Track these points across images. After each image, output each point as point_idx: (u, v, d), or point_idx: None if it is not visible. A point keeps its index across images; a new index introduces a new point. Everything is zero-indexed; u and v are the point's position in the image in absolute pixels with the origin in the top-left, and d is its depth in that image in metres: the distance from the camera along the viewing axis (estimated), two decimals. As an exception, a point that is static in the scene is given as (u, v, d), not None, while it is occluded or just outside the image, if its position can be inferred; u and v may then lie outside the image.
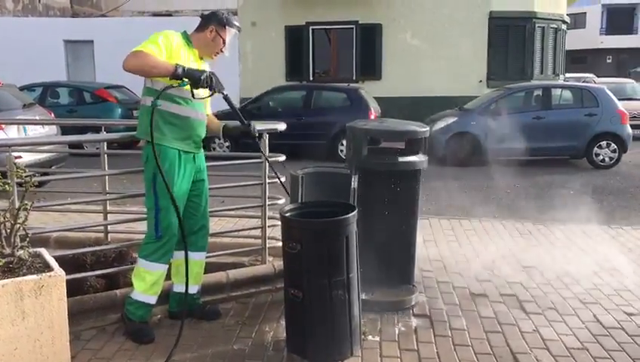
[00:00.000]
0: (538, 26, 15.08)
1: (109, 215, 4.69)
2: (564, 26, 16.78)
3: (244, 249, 4.47)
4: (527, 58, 15.01)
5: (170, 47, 3.19)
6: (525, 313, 3.85)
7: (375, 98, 12.39)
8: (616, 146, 10.94)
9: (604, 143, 10.99)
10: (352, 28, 15.17)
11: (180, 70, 3.08)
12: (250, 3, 15.68)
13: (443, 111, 12.23)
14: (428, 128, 3.93)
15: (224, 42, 3.38)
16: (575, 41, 38.35)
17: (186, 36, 3.38)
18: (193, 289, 3.58)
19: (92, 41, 16.06)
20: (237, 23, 3.46)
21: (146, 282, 3.36)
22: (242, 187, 4.47)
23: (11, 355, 2.65)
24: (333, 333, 3.19)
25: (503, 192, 8.76)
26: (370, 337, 3.45)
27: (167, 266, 3.43)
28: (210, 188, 3.74)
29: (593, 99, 11.18)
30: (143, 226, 4.58)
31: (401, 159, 3.85)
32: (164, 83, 3.14)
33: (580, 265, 4.79)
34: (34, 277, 2.71)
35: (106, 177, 4.49)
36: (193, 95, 3.17)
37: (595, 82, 16.92)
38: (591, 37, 40.25)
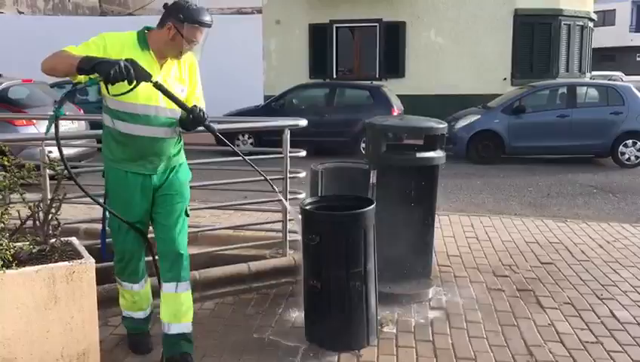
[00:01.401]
0: (564, 24, 14.93)
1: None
2: (590, 24, 16.56)
3: (265, 242, 4.58)
4: (553, 56, 14.87)
5: (103, 48, 2.69)
6: (541, 307, 3.90)
7: (398, 96, 12.42)
8: (647, 147, 10.81)
9: (629, 142, 10.87)
10: (376, 26, 15.20)
11: (85, 62, 2.52)
12: (274, 1, 15.82)
13: (466, 109, 12.22)
14: (446, 125, 4.01)
15: (188, 41, 2.75)
16: (604, 38, 37.73)
17: (141, 36, 2.82)
18: (171, 328, 2.99)
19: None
20: (204, 18, 2.75)
21: (126, 299, 3.17)
22: (264, 181, 4.59)
23: (44, 337, 2.80)
24: (350, 323, 3.29)
25: (525, 190, 8.75)
26: (386, 328, 3.53)
27: (144, 283, 3.15)
28: (231, 183, 3.85)
29: (619, 98, 11.06)
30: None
31: (419, 155, 3.93)
32: (111, 98, 2.73)
33: (598, 262, 4.81)
34: (66, 263, 2.86)
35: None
36: (108, 92, 2.66)
37: (622, 80, 16.70)
38: (620, 34, 39.54)
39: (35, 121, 7.56)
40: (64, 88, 12.92)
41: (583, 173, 10.08)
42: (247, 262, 4.23)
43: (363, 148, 11.28)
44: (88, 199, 3.17)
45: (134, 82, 2.57)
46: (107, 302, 3.58)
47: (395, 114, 11.35)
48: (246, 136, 11.91)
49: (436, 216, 5.89)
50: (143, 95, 2.75)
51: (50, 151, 3.60)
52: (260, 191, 4.76)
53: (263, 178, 3.37)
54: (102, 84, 2.64)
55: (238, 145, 11.54)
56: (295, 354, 3.22)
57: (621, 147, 10.88)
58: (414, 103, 12.44)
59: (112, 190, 2.96)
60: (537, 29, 14.63)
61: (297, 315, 3.69)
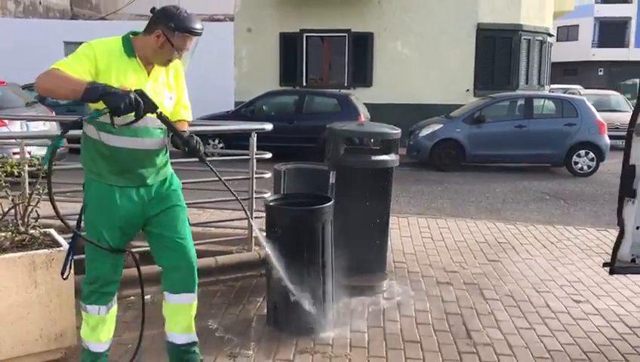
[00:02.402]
0: (524, 38, 15.58)
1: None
2: (549, 39, 17.28)
3: (232, 238, 4.86)
4: (513, 69, 15.50)
5: (94, 59, 2.58)
6: (484, 299, 4.27)
7: (365, 104, 12.82)
8: (594, 155, 11.40)
9: (582, 152, 11.45)
10: (345, 36, 15.62)
11: (91, 92, 2.42)
12: (246, 9, 16.11)
13: (430, 118, 12.68)
14: (399, 131, 4.36)
15: (178, 50, 2.65)
16: (567, 53, 39.03)
17: (126, 42, 2.69)
18: (177, 338, 2.92)
19: (91, 44, 16.45)
20: (195, 26, 2.64)
21: (88, 326, 2.88)
22: (231, 182, 4.88)
23: (25, 319, 3.04)
24: (310, 310, 3.59)
25: (482, 196, 9.19)
26: (342, 315, 3.85)
27: (108, 309, 2.89)
28: (200, 182, 4.09)
29: (573, 110, 11.65)
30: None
31: (374, 158, 4.28)
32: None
33: (540, 260, 5.22)
34: (45, 251, 3.11)
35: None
36: (113, 123, 2.52)
37: (580, 94, 17.42)
38: (583, 49, 40.89)
39: (7, 121, 7.70)
40: (35, 91, 12.99)
41: (538, 181, 10.60)
42: (214, 256, 4.51)
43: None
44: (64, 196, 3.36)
45: (141, 115, 2.51)
46: (79, 292, 3.83)
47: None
48: (217, 140, 12.17)
49: (396, 218, 6.33)
50: None
51: (29, 152, 3.83)
52: (227, 191, 5.05)
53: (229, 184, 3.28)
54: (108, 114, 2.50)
55: (207, 146, 11.79)
56: (257, 339, 3.51)
57: (575, 157, 11.46)
58: (381, 112, 12.84)
59: (93, 205, 2.76)
60: (499, 43, 15.24)
61: (261, 306, 3.98)
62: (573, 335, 3.68)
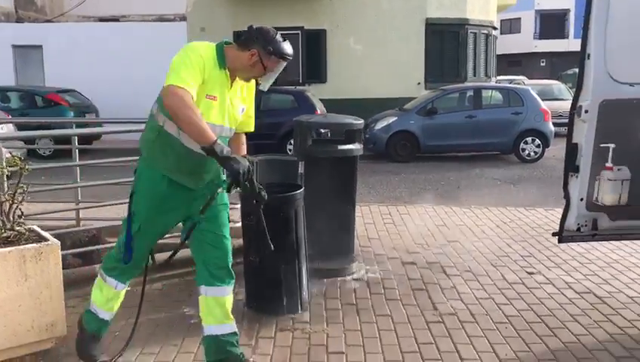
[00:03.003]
0: (470, 32, 16.17)
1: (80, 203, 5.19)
2: (494, 32, 17.95)
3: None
4: (461, 61, 16.06)
5: (203, 72, 2.67)
6: (446, 275, 4.59)
7: (321, 100, 13.09)
8: (540, 142, 11.99)
9: (529, 139, 12.03)
10: (298, 33, 15.82)
11: (213, 152, 2.54)
12: (198, 9, 16.13)
13: (384, 112, 13.05)
14: (362, 121, 4.63)
15: (267, 71, 2.78)
16: (511, 45, 40.29)
17: (220, 52, 2.77)
18: (215, 329, 2.96)
19: (41, 46, 16.16)
20: (289, 52, 2.78)
21: (103, 295, 3.09)
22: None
23: (17, 311, 3.17)
24: (285, 291, 3.83)
25: (438, 184, 9.60)
26: (316, 295, 4.10)
27: (124, 287, 3.10)
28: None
29: (519, 99, 12.23)
30: (111, 213, 5.13)
31: (340, 147, 4.54)
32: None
33: (495, 239, 5.60)
34: (34, 245, 3.24)
35: (77, 168, 5.00)
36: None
37: (524, 84, 18.16)
38: (526, 41, 42.27)
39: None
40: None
41: (488, 168, 11.10)
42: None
43: (289, 150, 11.85)
44: (44, 195, 3.41)
45: (246, 189, 2.68)
46: (64, 286, 3.95)
47: (318, 116, 12.00)
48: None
49: (359, 206, 6.61)
50: (215, 115, 2.77)
51: (10, 151, 3.92)
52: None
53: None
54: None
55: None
56: (239, 321, 3.70)
57: (522, 144, 12.03)
58: (336, 107, 13.05)
59: (146, 193, 2.85)
60: (447, 37, 15.76)
61: (239, 291, 4.18)
62: (528, 302, 4.04)
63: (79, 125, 7.95)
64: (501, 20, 36.76)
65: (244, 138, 3.10)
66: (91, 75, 15.05)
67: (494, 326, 3.66)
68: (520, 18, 42.47)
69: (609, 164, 3.23)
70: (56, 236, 3.59)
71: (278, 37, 2.78)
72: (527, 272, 4.65)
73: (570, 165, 3.36)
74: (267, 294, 3.85)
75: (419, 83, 15.68)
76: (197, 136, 2.58)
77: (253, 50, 2.74)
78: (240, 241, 4.65)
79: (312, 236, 4.16)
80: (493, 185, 9.43)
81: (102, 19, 19.34)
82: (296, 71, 16.13)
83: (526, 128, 11.95)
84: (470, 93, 12.84)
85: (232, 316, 3.00)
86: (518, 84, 17.89)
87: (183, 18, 16.82)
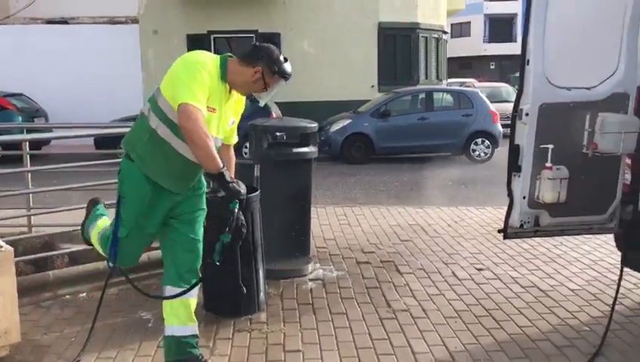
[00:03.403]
0: (422, 36, 16.53)
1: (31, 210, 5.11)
2: (444, 36, 18.39)
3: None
4: (414, 65, 16.40)
5: (209, 87, 2.72)
6: (400, 273, 4.73)
7: (276, 103, 13.13)
8: (489, 143, 12.36)
9: (479, 140, 12.40)
10: (253, 36, 15.84)
11: (219, 179, 2.71)
12: (151, 11, 15.96)
13: (339, 114, 13.22)
14: (316, 124, 4.73)
15: (267, 88, 2.89)
16: (461, 48, 41.22)
17: (224, 65, 2.83)
18: (178, 330, 3.03)
19: (-13, 50, 15.71)
20: (289, 71, 2.90)
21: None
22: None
23: (-31, 319, 3.13)
24: (245, 293, 3.88)
25: (392, 185, 9.80)
26: (273, 296, 4.17)
27: None
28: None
29: (469, 102, 12.59)
30: (64, 219, 5.07)
31: (295, 150, 4.62)
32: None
33: (446, 237, 5.78)
34: (-14, 252, 3.21)
35: (29, 174, 4.93)
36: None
37: (475, 86, 18.64)
38: (476, 45, 43.35)
39: None
40: None
41: (440, 169, 11.38)
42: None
43: (245, 153, 11.86)
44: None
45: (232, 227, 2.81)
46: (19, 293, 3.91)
47: (273, 119, 12.05)
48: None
49: (315, 208, 6.71)
50: (214, 128, 2.81)
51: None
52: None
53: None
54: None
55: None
56: (197, 323, 3.74)
57: (472, 145, 12.39)
58: (291, 110, 13.17)
59: (134, 199, 2.85)
60: (399, 41, 16.07)
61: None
62: (477, 297, 4.21)
63: (28, 130, 7.78)
64: (452, 24, 37.56)
65: (232, 151, 3.15)
66: (40, 78, 14.72)
67: (445, 320, 3.81)
68: (470, 22, 43.52)
69: (548, 164, 3.41)
70: (8, 243, 3.57)
71: (282, 57, 2.88)
72: (476, 269, 4.83)
73: (513, 165, 3.53)
74: (225, 296, 3.89)
75: (372, 86, 15.92)
76: (206, 163, 2.67)
77: (258, 68, 2.83)
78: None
79: (269, 238, 4.23)
80: (445, 186, 9.69)
81: (50, 22, 18.87)
82: (250, 74, 16.16)
83: (476, 130, 12.30)
84: (422, 95, 13.14)
85: (194, 318, 3.06)
86: (469, 86, 18.35)
87: (135, 21, 16.61)
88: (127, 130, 8.08)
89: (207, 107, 2.74)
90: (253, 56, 2.85)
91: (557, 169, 3.43)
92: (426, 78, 16.81)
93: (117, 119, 12.21)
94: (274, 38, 15.78)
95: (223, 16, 15.50)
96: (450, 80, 21.14)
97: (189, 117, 2.60)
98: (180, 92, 2.66)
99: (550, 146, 3.42)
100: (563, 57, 3.46)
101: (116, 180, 4.78)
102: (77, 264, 4.63)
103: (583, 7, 3.53)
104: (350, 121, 12.55)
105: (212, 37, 15.91)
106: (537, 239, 5.37)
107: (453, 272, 4.75)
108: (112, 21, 18.06)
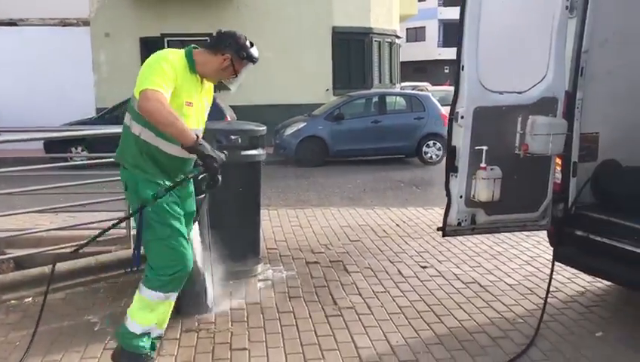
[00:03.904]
0: (375, 40, 16.81)
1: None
2: (397, 41, 18.72)
3: (110, 237, 5.01)
4: (367, 68, 16.66)
5: (175, 79, 2.80)
6: (347, 272, 4.85)
7: (231, 106, 13.14)
8: (440, 145, 12.65)
9: (431, 143, 12.70)
10: (207, 39, 15.73)
11: (196, 150, 2.77)
12: (102, 14, 15.74)
13: (294, 118, 13.32)
14: (264, 127, 4.81)
15: (235, 74, 2.99)
16: (416, 52, 41.97)
17: (190, 58, 2.91)
18: (156, 331, 3.15)
19: None
20: (257, 56, 3.02)
21: (163, 312, 3.11)
22: (104, 184, 5.06)
23: None
24: (190, 293, 3.93)
25: (345, 187, 9.95)
26: (222, 297, 4.23)
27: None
28: (74, 185, 4.21)
29: (421, 105, 12.88)
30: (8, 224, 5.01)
31: (244, 153, 4.69)
32: None
33: (394, 237, 5.94)
34: None
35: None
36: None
37: (428, 90, 19.03)
38: (430, 49, 44.18)
39: None
40: None
41: (393, 171, 11.61)
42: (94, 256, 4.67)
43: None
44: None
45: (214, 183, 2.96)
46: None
47: (227, 123, 12.06)
48: (79, 147, 11.88)
49: (267, 210, 6.78)
50: (193, 121, 2.94)
51: None
52: (99, 194, 5.22)
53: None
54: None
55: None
56: (144, 324, 3.78)
57: (424, 147, 12.67)
58: (246, 113, 13.16)
59: (156, 204, 2.90)
60: (352, 45, 16.29)
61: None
62: (420, 294, 4.36)
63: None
64: (407, 29, 38.21)
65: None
66: (-14, 81, 14.35)
67: (388, 316, 3.94)
68: (424, 27, 44.33)
69: (483, 165, 3.59)
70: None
71: (248, 42, 2.98)
72: (420, 266, 4.99)
73: (450, 166, 3.69)
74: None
75: (327, 89, 16.09)
76: (178, 136, 2.73)
77: (227, 55, 2.92)
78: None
79: (219, 239, 4.28)
80: (397, 187, 9.90)
81: (-1, 23, 18.38)
82: (205, 77, 16.11)
83: (428, 132, 12.59)
84: (376, 99, 13.36)
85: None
86: (422, 90, 18.72)
87: (87, 23, 16.34)
88: (79, 133, 8.02)
89: (185, 102, 2.85)
90: (221, 43, 2.94)
91: (491, 169, 3.61)
92: (380, 82, 17.09)
93: (68, 123, 12.02)
94: (228, 42, 15.80)
95: (176, 18, 15.42)
96: (403, 83, 21.52)
97: (146, 99, 2.67)
98: (139, 85, 2.73)
99: (484, 148, 3.59)
100: (496, 63, 3.64)
101: (62, 183, 4.81)
102: (22, 269, 4.60)
103: (515, 16, 3.71)
104: (305, 124, 12.67)
105: (165, 40, 15.80)
106: (479, 237, 5.60)
107: (398, 270, 4.90)
108: (63, 23, 17.70)
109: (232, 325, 3.80)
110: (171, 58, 2.83)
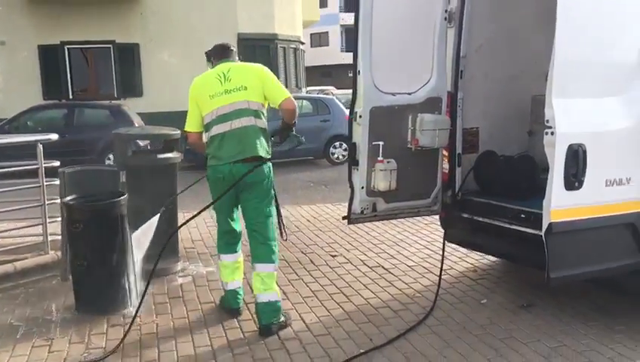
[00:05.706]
0: (280, 46, 17.24)
1: None
2: (301, 46, 19.26)
3: (26, 245, 5.08)
4: (274, 73, 16.98)
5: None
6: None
7: (138, 113, 13.08)
8: (346, 146, 13.22)
9: (337, 144, 13.23)
10: (110, 47, 15.59)
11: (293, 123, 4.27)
12: (-3, 21, 15.13)
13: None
14: (179, 131, 5.05)
15: None
16: (321, 57, 42.85)
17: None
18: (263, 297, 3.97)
19: None
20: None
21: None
22: (19, 192, 5.10)
23: None
24: (114, 290, 4.12)
25: (257, 189, 10.23)
26: (145, 293, 4.43)
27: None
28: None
29: (326, 108, 13.40)
30: None
31: (159, 156, 4.92)
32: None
33: (306, 231, 6.34)
34: None
35: None
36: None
37: (333, 94, 19.69)
38: (334, 54, 45.23)
39: None
40: None
41: (303, 172, 12.04)
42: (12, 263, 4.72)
43: (109, 158, 11.73)
44: None
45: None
46: None
47: (136, 130, 12.01)
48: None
49: (182, 213, 6.96)
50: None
51: None
52: (17, 201, 5.25)
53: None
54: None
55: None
56: (68, 325, 3.92)
57: (331, 149, 13.19)
58: (154, 120, 13.14)
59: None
60: (258, 51, 16.60)
61: (67, 298, 4.36)
62: (331, 279, 4.78)
63: None
64: (311, 34, 39.01)
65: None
66: None
67: (303, 300, 4.32)
68: (327, 32, 45.36)
69: (380, 158, 4.04)
70: None
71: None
72: (331, 256, 5.42)
73: (352, 160, 4.12)
74: (97, 295, 4.10)
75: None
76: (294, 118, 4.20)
77: None
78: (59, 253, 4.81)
79: (138, 240, 4.47)
80: (307, 187, 10.34)
81: None
82: (110, 85, 15.86)
83: (334, 134, 13.11)
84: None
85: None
86: (327, 93, 19.35)
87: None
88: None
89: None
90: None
91: (387, 162, 4.06)
92: (286, 87, 17.48)
93: (-37, 135, 11.52)
94: (133, 49, 15.65)
95: (77, 26, 15.10)
96: (309, 88, 22.09)
97: (293, 101, 4.09)
98: (281, 92, 4.11)
99: (381, 143, 4.04)
100: (388, 68, 4.10)
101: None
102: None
103: (402, 26, 4.20)
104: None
105: (66, 48, 15.43)
106: (384, 227, 6.12)
107: (311, 260, 5.30)
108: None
109: (156, 317, 4.03)
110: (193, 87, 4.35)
